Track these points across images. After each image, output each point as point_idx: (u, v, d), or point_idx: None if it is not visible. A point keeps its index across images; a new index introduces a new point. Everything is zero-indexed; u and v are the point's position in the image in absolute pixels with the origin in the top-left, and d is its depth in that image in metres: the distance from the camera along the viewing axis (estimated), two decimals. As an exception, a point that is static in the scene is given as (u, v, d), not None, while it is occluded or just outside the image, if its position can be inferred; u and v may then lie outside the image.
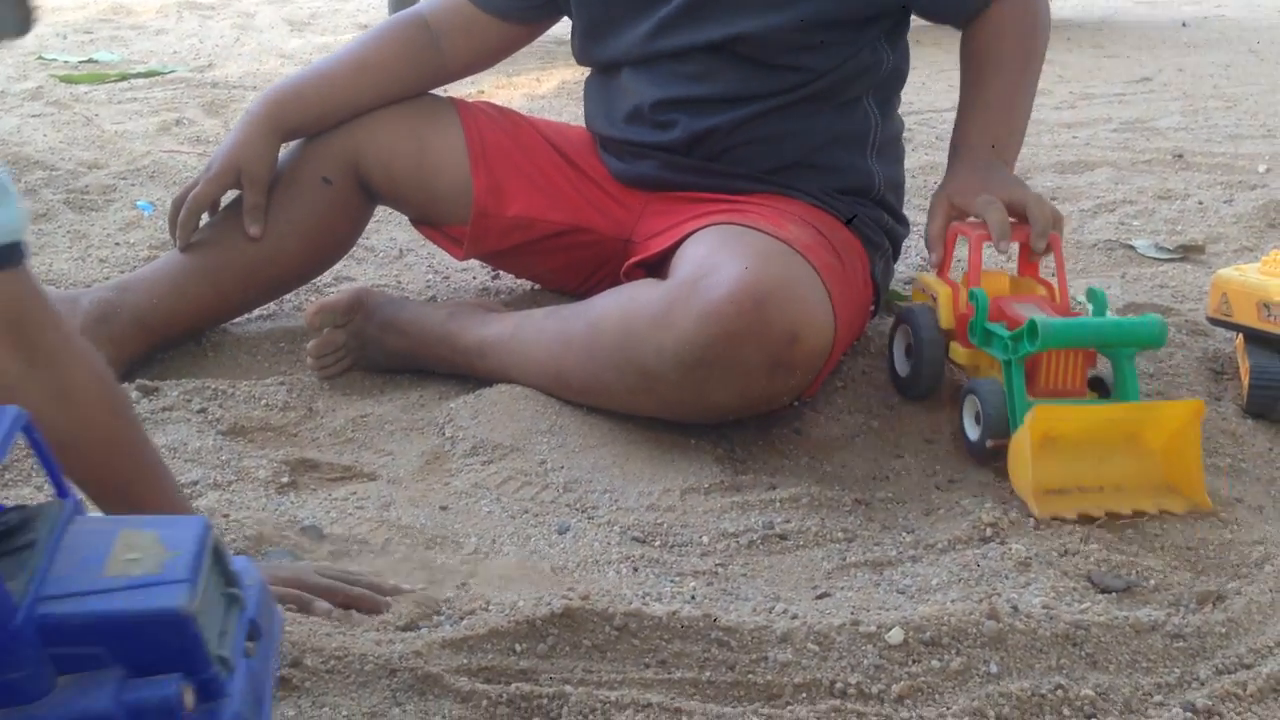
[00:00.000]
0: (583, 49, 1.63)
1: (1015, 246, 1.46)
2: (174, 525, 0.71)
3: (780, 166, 1.54)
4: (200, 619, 0.66)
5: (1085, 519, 1.22)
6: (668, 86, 1.53)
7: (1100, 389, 1.37)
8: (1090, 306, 1.40)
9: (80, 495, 0.77)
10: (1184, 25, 5.18)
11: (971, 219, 1.47)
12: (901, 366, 1.49)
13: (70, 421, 0.85)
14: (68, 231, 2.09)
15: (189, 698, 0.64)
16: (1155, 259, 2.06)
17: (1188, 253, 2.08)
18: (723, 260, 1.32)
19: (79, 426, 0.85)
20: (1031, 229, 1.42)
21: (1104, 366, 1.38)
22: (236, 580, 0.73)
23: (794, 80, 1.50)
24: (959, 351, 1.42)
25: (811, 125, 1.53)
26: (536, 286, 1.80)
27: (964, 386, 1.39)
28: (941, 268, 1.50)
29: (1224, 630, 1.05)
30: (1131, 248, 2.11)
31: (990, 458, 1.33)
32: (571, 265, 1.67)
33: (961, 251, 1.53)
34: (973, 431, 1.35)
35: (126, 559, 0.67)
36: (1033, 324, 1.27)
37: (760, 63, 1.50)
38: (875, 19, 1.52)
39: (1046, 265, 1.50)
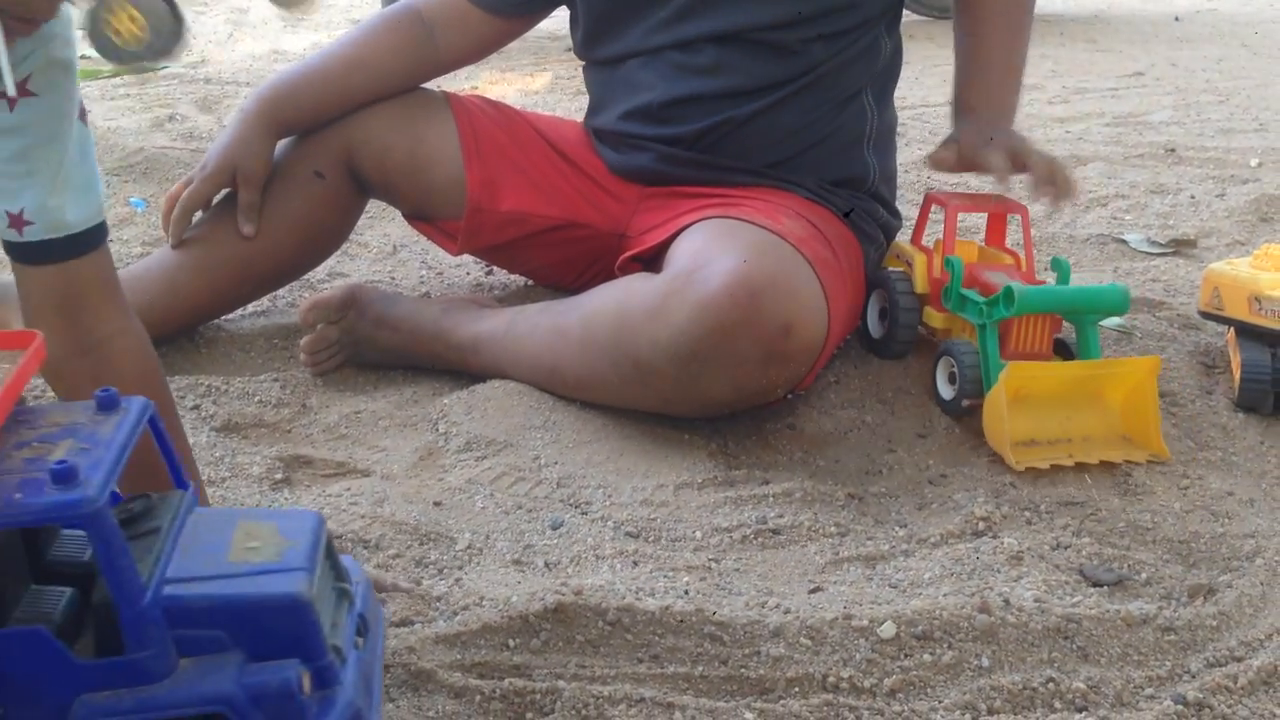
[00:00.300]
0: (586, 43, 1.63)
1: (984, 218, 1.58)
2: (289, 518, 0.74)
3: (781, 159, 1.55)
4: (317, 607, 0.67)
5: (1057, 468, 1.31)
6: (677, 82, 1.53)
7: (1065, 353, 1.46)
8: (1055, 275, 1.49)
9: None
10: (1176, 20, 5.19)
11: (947, 188, 1.57)
12: (875, 329, 1.57)
13: None
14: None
15: (307, 683, 0.66)
16: (1147, 253, 2.07)
17: (1180, 247, 2.09)
18: (717, 253, 1.32)
19: None
20: (1032, 177, 1.49)
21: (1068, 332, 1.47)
22: (346, 576, 0.75)
23: (800, 68, 1.51)
24: (933, 315, 1.52)
25: (815, 118, 1.54)
26: (530, 282, 1.80)
27: (939, 347, 1.46)
28: (916, 235, 1.59)
29: (1215, 623, 1.06)
30: (1124, 242, 2.12)
31: (963, 413, 1.41)
32: (566, 260, 1.67)
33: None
34: (946, 390, 1.44)
35: (247, 547, 0.70)
36: (1009, 290, 1.36)
37: (768, 51, 1.50)
38: (879, 14, 1.53)
39: (1012, 238, 1.60)
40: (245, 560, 0.69)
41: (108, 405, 0.71)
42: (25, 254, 0.89)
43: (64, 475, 0.62)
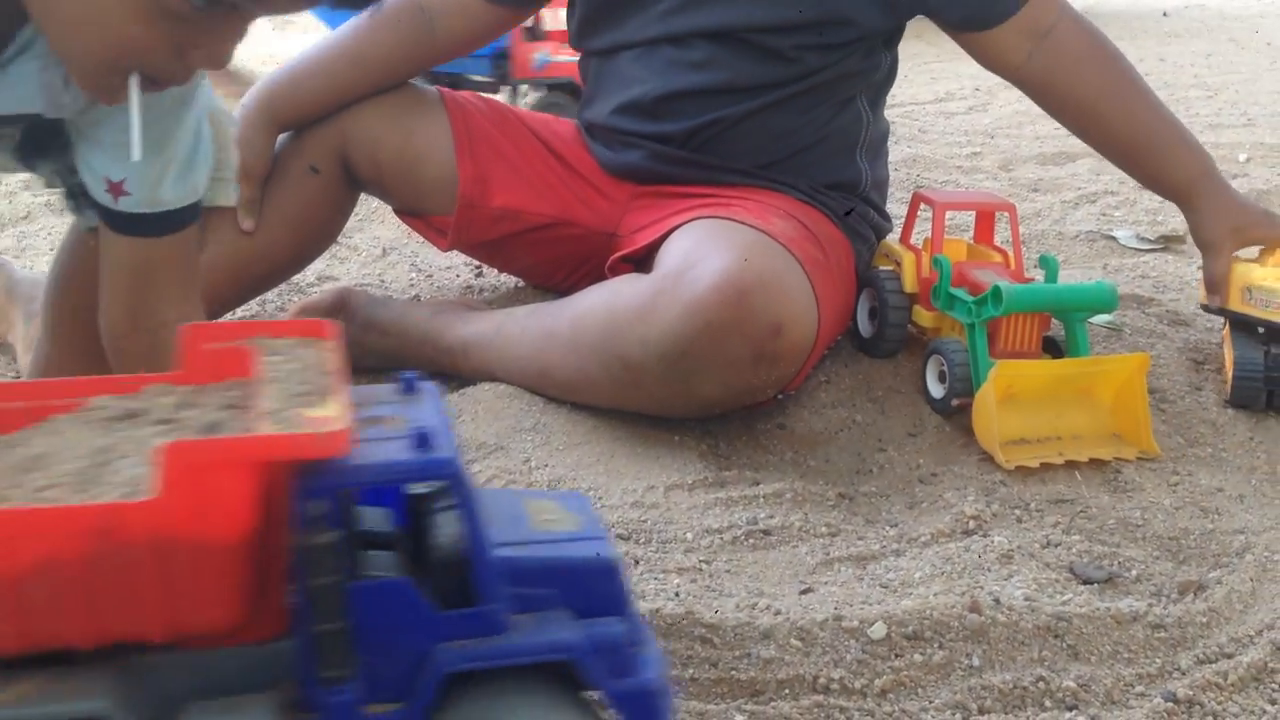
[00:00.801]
0: (581, 31, 1.63)
1: (973, 216, 1.60)
2: (563, 497, 0.80)
3: (773, 161, 1.54)
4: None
5: (1047, 466, 1.31)
6: (670, 77, 1.53)
7: (1054, 350, 1.46)
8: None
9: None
10: (1165, 15, 5.20)
11: (935, 187, 1.55)
12: (865, 328, 1.58)
13: None
14: (49, 234, 2.08)
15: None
16: (1136, 249, 2.07)
17: (1168, 243, 2.09)
18: (707, 253, 1.32)
19: None
20: None
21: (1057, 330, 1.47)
22: None
23: (793, 73, 1.50)
24: (922, 314, 1.52)
25: (808, 121, 1.54)
26: (520, 284, 1.80)
27: (928, 346, 1.47)
28: (904, 234, 1.60)
29: (1205, 620, 1.06)
30: (1113, 238, 2.12)
31: (953, 412, 1.42)
32: (556, 259, 1.67)
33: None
34: (936, 389, 1.44)
35: (545, 519, 0.75)
36: (997, 289, 1.36)
37: (761, 53, 1.50)
38: (878, 32, 1.52)
39: (1001, 235, 1.61)
40: (548, 530, 0.73)
41: (409, 387, 0.76)
42: (115, 222, 0.91)
43: (423, 440, 0.66)
